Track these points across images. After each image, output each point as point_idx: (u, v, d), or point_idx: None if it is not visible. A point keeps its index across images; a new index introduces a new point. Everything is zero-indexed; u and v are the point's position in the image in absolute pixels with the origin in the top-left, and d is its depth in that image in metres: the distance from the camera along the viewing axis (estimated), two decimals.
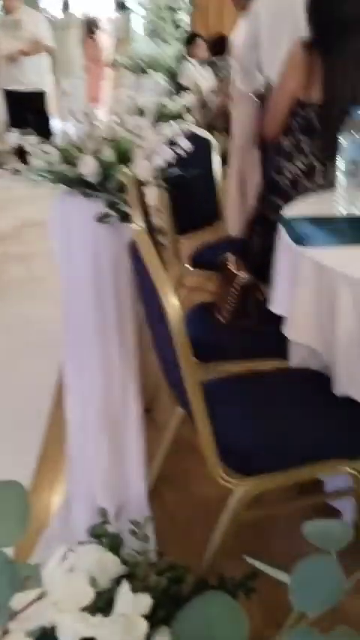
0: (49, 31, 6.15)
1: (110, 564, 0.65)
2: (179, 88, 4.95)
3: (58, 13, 9.33)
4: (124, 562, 0.74)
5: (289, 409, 1.60)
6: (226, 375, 1.79)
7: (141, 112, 2.27)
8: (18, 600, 0.50)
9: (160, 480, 2.04)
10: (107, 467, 1.86)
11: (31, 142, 2.01)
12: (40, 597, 0.49)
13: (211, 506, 1.68)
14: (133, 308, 2.05)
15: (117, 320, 1.98)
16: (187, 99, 3.66)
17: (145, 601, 0.57)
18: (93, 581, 0.58)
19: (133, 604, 0.56)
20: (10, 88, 6.07)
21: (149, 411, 2.48)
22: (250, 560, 0.73)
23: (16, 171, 2.01)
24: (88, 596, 0.52)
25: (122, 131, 2.07)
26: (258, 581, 1.01)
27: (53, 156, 2.01)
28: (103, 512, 1.58)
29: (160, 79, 5.86)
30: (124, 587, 0.57)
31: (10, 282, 3.85)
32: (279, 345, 1.76)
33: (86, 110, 2.14)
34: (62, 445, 2.16)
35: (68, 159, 2.00)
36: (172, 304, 1.22)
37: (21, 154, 2.12)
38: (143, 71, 6.81)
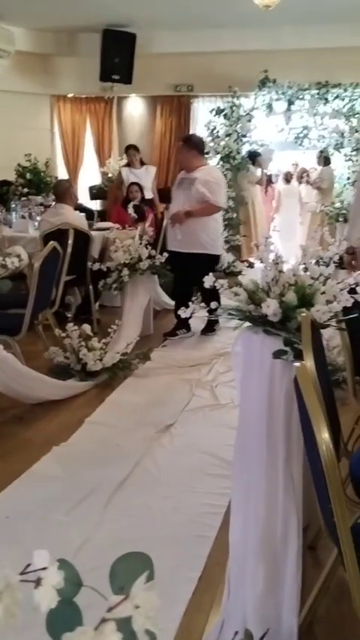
0: (222, 190, 5.50)
1: None
2: None
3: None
4: None
5: None
6: None
7: (327, 264, 2.45)
8: None
9: (313, 619, 2.02)
10: (261, 594, 1.90)
11: (223, 284, 2.29)
12: None
13: None
14: (302, 444, 2.14)
15: (285, 453, 2.07)
16: None
17: None
18: None
19: None
20: (172, 248, 5.57)
21: (313, 548, 2.47)
22: None
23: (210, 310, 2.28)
24: None
25: (307, 278, 2.28)
26: None
27: (242, 297, 2.26)
28: (249, 635, 1.63)
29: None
30: None
31: (196, 408, 4.10)
32: None
33: (276, 259, 2.37)
34: (224, 567, 2.23)
35: (254, 300, 2.24)
36: (325, 441, 1.32)
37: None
38: (345, 219, 7.13)
